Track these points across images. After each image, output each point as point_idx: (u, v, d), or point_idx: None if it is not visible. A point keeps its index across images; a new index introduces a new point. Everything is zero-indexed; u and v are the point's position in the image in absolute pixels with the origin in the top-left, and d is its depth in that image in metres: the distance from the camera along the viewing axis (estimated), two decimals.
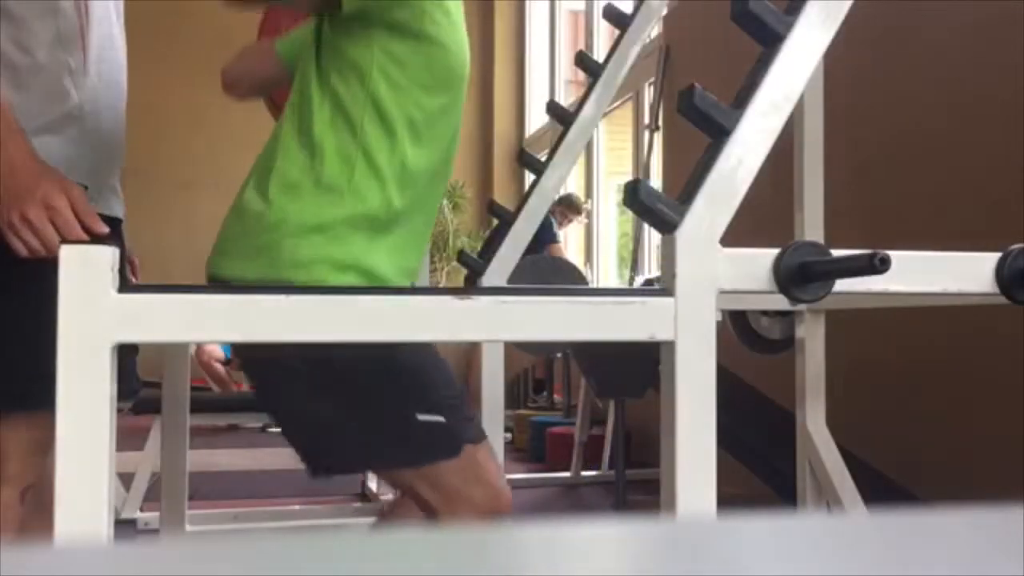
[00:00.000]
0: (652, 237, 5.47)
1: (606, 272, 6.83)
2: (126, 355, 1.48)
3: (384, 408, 1.31)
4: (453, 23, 1.40)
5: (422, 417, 1.29)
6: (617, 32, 2.13)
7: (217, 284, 1.35)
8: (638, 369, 3.31)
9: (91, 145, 1.36)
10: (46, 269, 0.78)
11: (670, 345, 0.89)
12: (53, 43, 1.32)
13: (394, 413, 1.30)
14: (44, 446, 1.18)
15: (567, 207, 6.00)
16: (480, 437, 1.38)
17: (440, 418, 1.31)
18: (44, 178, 1.19)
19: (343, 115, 1.34)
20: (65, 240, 1.16)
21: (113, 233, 1.43)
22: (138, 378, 1.59)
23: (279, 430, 1.42)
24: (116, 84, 1.44)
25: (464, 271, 2.14)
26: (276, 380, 1.35)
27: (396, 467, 1.33)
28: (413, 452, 1.30)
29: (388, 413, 1.31)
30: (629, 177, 6.27)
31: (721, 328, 1.11)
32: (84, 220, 1.20)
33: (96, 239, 1.23)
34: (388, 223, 1.35)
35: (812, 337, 2.06)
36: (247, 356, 1.40)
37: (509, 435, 5.16)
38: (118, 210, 1.45)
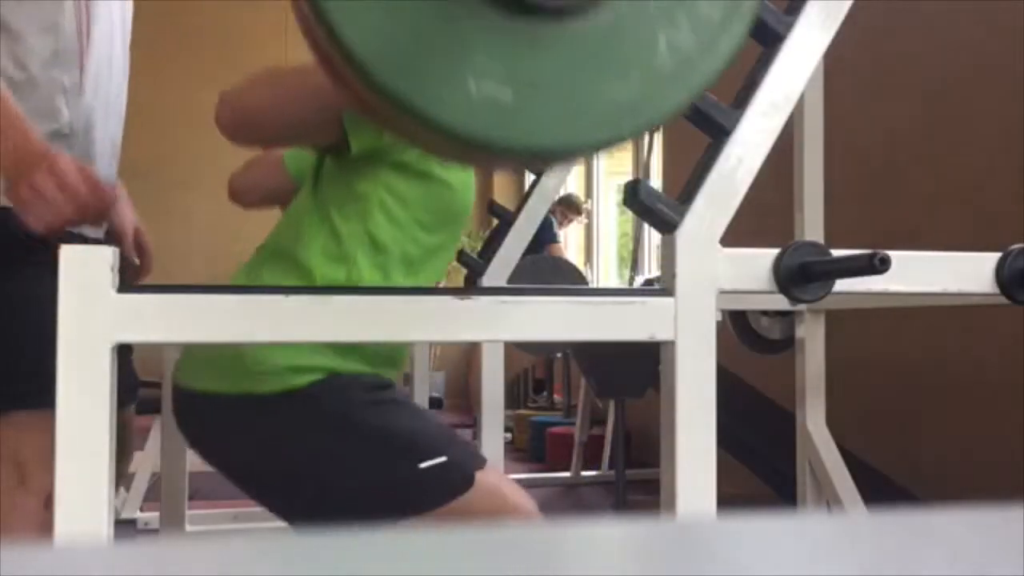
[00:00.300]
0: (652, 237, 5.47)
1: (606, 272, 6.83)
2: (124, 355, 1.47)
3: (388, 475, 1.30)
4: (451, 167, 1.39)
5: (425, 465, 1.29)
6: None
7: (179, 393, 1.36)
8: (638, 369, 3.31)
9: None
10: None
11: (670, 345, 0.89)
12: (50, 61, 1.31)
13: (399, 475, 1.30)
14: None
15: (567, 207, 6.00)
16: (482, 463, 1.38)
17: (443, 458, 1.30)
18: (47, 152, 1.20)
19: (337, 246, 1.33)
20: (69, 216, 1.17)
21: None
22: (136, 377, 1.58)
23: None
24: (112, 106, 1.42)
25: (464, 271, 2.14)
26: (266, 480, 1.34)
27: (419, 515, 1.31)
28: (430, 498, 1.29)
29: (394, 478, 1.30)
30: (629, 177, 6.27)
31: (721, 328, 1.11)
32: (91, 187, 1.20)
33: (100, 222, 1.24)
34: (362, 347, 1.35)
35: (812, 337, 2.06)
36: (239, 478, 1.39)
37: (509, 435, 5.16)
38: (97, 233, 1.43)
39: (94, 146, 1.38)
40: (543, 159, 0.81)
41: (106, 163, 1.42)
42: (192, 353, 1.37)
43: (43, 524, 1.26)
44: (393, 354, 1.42)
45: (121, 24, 1.46)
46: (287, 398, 1.28)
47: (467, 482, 1.30)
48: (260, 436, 1.30)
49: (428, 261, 1.39)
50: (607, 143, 0.75)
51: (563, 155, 0.77)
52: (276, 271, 1.35)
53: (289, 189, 1.53)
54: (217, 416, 1.32)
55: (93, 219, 1.26)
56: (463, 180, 1.40)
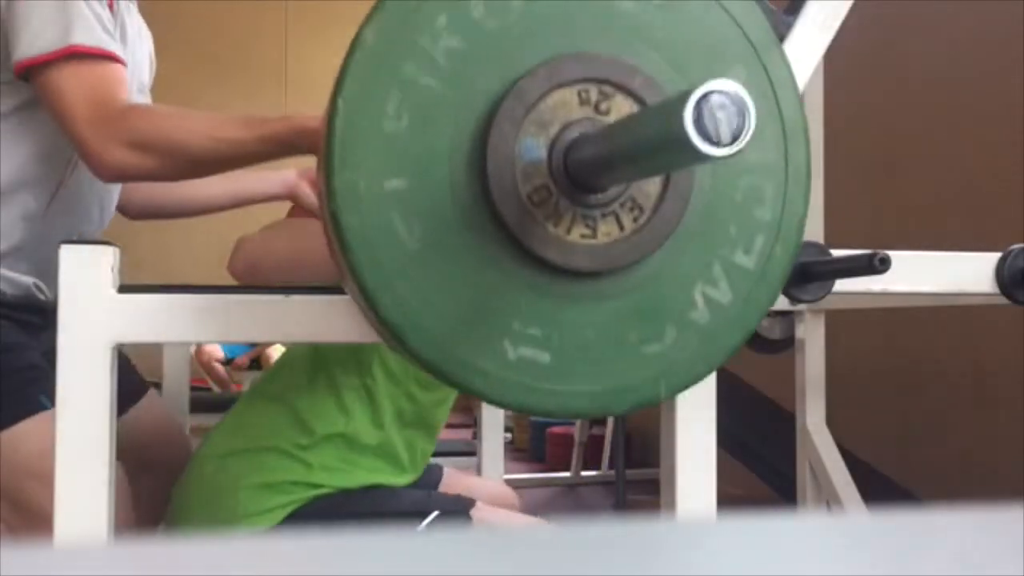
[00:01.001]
0: None
1: None
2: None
3: None
4: None
5: (424, 525, 1.31)
6: None
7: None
8: None
9: (25, 276, 1.30)
10: None
11: None
12: (16, 187, 1.27)
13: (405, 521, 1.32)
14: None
15: None
16: (472, 502, 1.38)
17: (436, 512, 1.32)
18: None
19: (335, 398, 1.34)
20: None
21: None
22: (143, 379, 1.58)
23: None
24: (88, 219, 1.37)
25: None
26: None
27: None
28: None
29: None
30: None
31: None
32: None
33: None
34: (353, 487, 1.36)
35: (812, 337, 2.06)
36: None
37: (509, 435, 5.16)
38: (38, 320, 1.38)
39: (49, 264, 1.32)
40: (576, 418, 0.81)
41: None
42: (183, 509, 1.36)
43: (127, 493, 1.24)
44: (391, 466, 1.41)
45: (148, 65, 1.46)
46: (279, 527, 1.29)
47: (466, 524, 1.33)
48: None
49: (421, 417, 1.40)
50: (642, 405, 0.73)
51: (595, 416, 0.76)
52: (275, 417, 1.35)
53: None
54: None
55: None
56: None
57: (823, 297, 0.95)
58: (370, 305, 0.65)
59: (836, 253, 0.94)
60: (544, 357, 0.68)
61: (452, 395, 1.46)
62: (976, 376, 2.75)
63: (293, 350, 1.46)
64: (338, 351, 1.36)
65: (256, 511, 1.29)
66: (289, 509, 1.30)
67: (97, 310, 0.80)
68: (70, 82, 1.15)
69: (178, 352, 1.98)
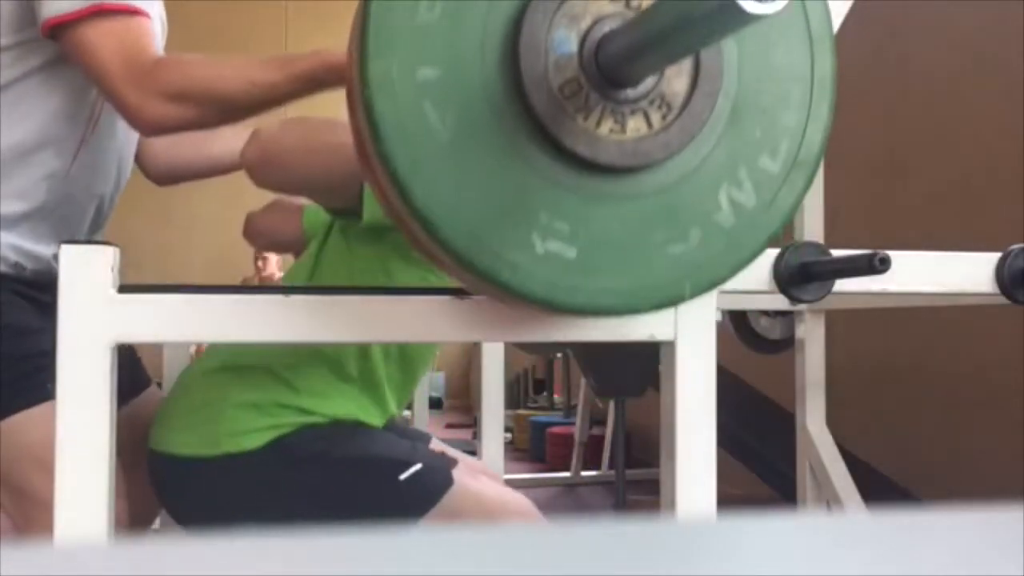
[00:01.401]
0: None
1: None
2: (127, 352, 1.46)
3: (373, 497, 1.31)
4: None
5: (404, 476, 1.31)
6: None
7: (156, 458, 1.35)
8: (638, 369, 3.31)
9: (44, 240, 1.30)
10: None
11: (670, 345, 0.89)
12: (37, 146, 1.27)
13: (383, 493, 1.31)
14: None
15: None
16: (454, 462, 1.39)
17: (418, 465, 1.32)
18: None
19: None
20: None
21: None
22: (147, 374, 1.58)
23: None
24: (104, 183, 1.38)
25: None
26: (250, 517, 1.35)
27: (414, 521, 1.33)
28: (416, 506, 1.31)
29: (379, 498, 1.31)
30: None
31: (721, 328, 1.11)
32: None
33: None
34: (345, 418, 1.36)
35: (812, 337, 2.06)
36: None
37: (509, 435, 5.16)
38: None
39: (67, 223, 1.33)
40: (601, 317, 0.82)
41: (87, 224, 1.38)
42: (166, 419, 1.37)
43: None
44: (370, 425, 1.42)
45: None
46: (264, 452, 1.29)
47: (446, 482, 1.32)
48: (244, 493, 1.32)
49: (407, 353, 1.41)
50: (667, 303, 0.74)
51: (622, 314, 0.77)
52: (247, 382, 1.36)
53: (300, 241, 1.55)
54: (198, 479, 1.33)
55: None
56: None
57: (823, 297, 0.95)
58: (401, 193, 0.66)
59: (836, 253, 0.94)
60: (571, 252, 0.69)
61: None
62: (976, 376, 2.76)
63: (293, 272, 1.46)
64: (334, 263, 1.36)
65: (241, 430, 1.29)
66: (275, 433, 1.29)
67: (97, 310, 0.80)
68: (101, 40, 1.16)
69: (178, 352, 1.98)
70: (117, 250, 0.83)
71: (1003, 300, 1.02)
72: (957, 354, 2.83)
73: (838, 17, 0.97)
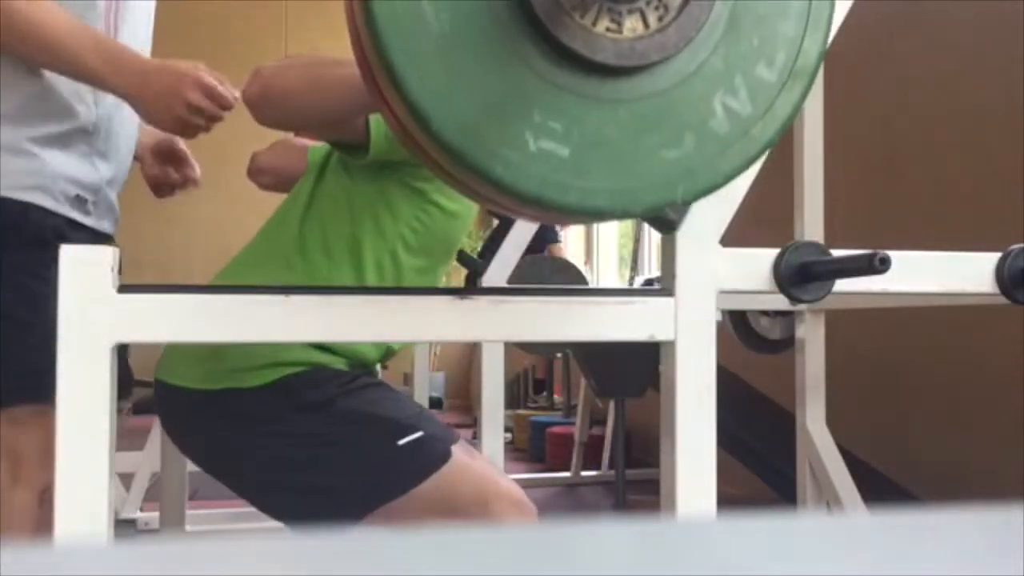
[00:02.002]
0: (652, 237, 5.47)
1: (606, 272, 6.83)
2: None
3: (368, 456, 1.30)
4: (463, 197, 1.40)
5: (403, 442, 1.30)
6: None
7: (161, 388, 1.36)
8: (638, 369, 3.31)
9: (97, 162, 1.37)
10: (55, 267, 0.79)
11: (670, 345, 0.89)
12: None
13: (379, 454, 1.30)
14: None
15: None
16: (456, 437, 1.38)
17: (419, 433, 1.31)
18: (175, 66, 1.26)
19: (322, 240, 1.36)
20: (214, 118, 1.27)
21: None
22: (131, 373, 1.60)
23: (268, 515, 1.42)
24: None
25: (464, 271, 2.14)
26: (250, 473, 1.35)
27: (400, 494, 1.31)
28: (410, 474, 1.30)
29: (374, 458, 1.30)
30: None
31: (721, 328, 1.11)
32: (221, 88, 1.27)
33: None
34: (343, 347, 1.36)
35: (812, 337, 2.06)
36: (211, 466, 1.40)
37: (509, 435, 5.16)
38: (109, 227, 1.45)
39: (111, 142, 1.39)
40: (594, 219, 0.82)
41: (124, 158, 1.44)
42: (173, 349, 1.38)
43: (38, 520, 1.26)
44: (367, 358, 1.42)
45: (146, 23, 1.47)
46: (268, 390, 1.29)
47: (444, 456, 1.31)
48: (241, 429, 1.32)
49: (400, 280, 1.40)
50: (659, 206, 0.75)
51: (615, 216, 0.77)
52: (261, 262, 1.38)
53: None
54: (198, 411, 1.34)
55: (219, 119, 1.31)
56: (459, 214, 1.42)
57: (823, 297, 0.95)
58: (397, 87, 0.66)
59: (836, 253, 0.94)
60: (563, 151, 0.70)
61: (432, 268, 1.45)
62: (976, 376, 2.76)
63: (285, 208, 1.46)
64: (334, 193, 1.38)
65: (246, 367, 1.29)
66: (282, 372, 1.29)
67: (97, 310, 0.80)
68: None
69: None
70: (117, 250, 0.83)
71: (1003, 300, 1.02)
72: (957, 354, 2.83)
73: (838, 17, 0.97)
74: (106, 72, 1.24)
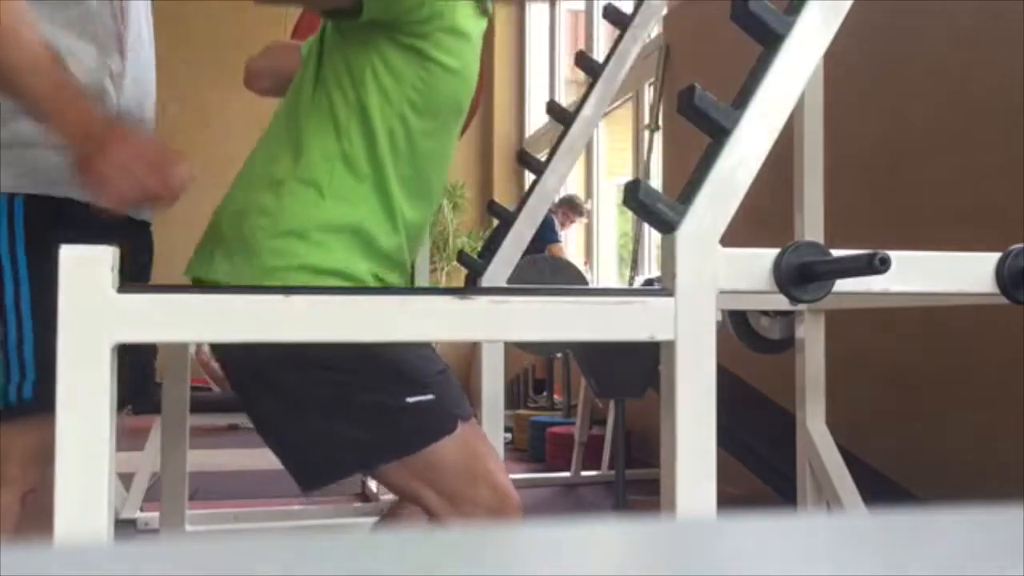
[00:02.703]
0: (652, 237, 5.47)
1: (606, 272, 6.83)
2: (147, 356, 1.48)
3: (372, 401, 1.29)
4: (462, 53, 1.40)
5: (412, 400, 1.28)
6: (617, 32, 2.13)
7: (196, 285, 1.36)
8: (638, 369, 3.31)
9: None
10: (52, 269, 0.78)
11: (670, 345, 0.89)
12: (99, 57, 1.33)
13: (383, 404, 1.29)
14: (45, 450, 1.18)
15: (570, 209, 5.98)
16: (468, 414, 1.37)
17: (430, 396, 1.30)
18: (115, 125, 1.23)
19: (331, 118, 1.35)
20: (148, 185, 1.18)
21: (143, 237, 1.43)
22: (154, 380, 1.59)
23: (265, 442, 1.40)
24: (146, 83, 1.45)
25: (464, 271, 2.14)
26: (257, 393, 1.34)
27: (393, 458, 1.30)
28: (409, 435, 1.28)
29: (377, 405, 1.29)
30: (629, 177, 6.26)
31: (721, 328, 1.11)
32: (160, 159, 1.20)
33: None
34: (367, 230, 1.35)
35: (812, 337, 2.06)
36: (229, 375, 1.39)
37: (509, 435, 5.16)
38: (147, 214, 1.45)
39: (135, 127, 1.39)
40: None
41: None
42: (205, 243, 1.38)
43: (18, 523, 1.26)
44: (404, 258, 1.43)
45: (147, 22, 1.47)
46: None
47: (448, 428, 1.30)
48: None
49: (414, 144, 1.39)
50: None
51: None
52: (271, 151, 1.37)
53: None
54: None
55: (165, 200, 1.23)
56: (459, 70, 1.41)
57: (823, 297, 0.95)
58: None
59: (836, 253, 0.94)
60: None
61: (443, 135, 1.45)
62: (976, 376, 2.75)
63: (292, 95, 1.45)
64: (335, 68, 1.37)
65: (284, 266, 1.29)
66: (318, 281, 1.29)
67: (97, 310, 0.80)
68: None
69: (178, 352, 1.99)
70: (117, 250, 0.83)
71: (1003, 300, 1.02)
72: (957, 353, 2.83)
73: (838, 17, 0.97)
74: (50, 108, 1.18)
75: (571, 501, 3.95)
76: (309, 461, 1.33)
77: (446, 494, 1.30)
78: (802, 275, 0.94)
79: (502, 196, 7.54)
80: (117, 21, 1.36)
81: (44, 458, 1.24)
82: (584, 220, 6.39)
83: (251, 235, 1.31)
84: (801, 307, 2.03)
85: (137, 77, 1.41)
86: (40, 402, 1.22)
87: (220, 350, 1.40)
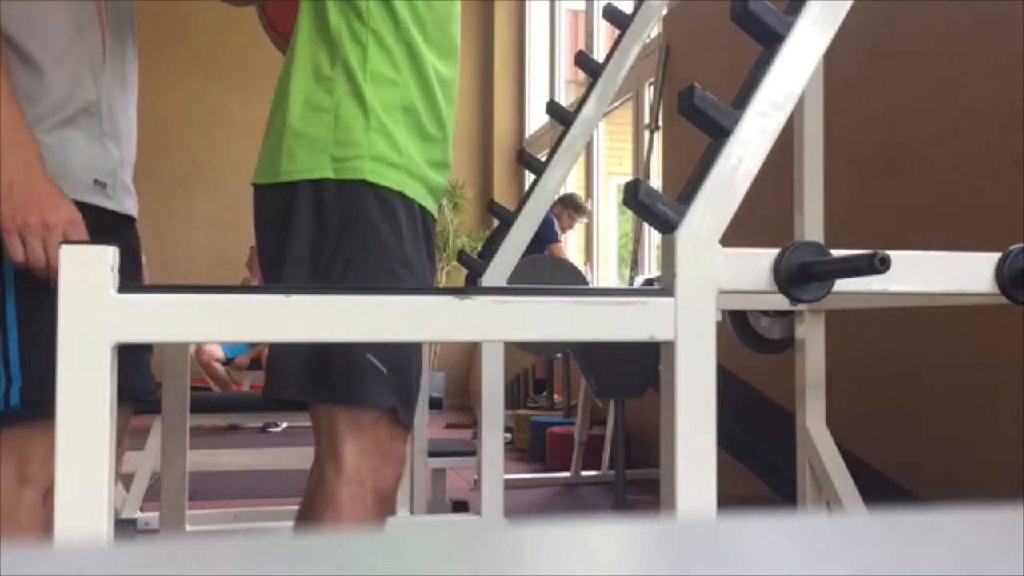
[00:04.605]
0: (652, 237, 5.47)
1: (606, 272, 6.83)
2: (142, 354, 1.47)
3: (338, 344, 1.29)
4: None
5: (372, 357, 1.29)
6: (617, 32, 2.13)
7: (261, 189, 1.37)
8: (638, 369, 3.31)
9: (107, 142, 1.36)
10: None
11: (670, 345, 0.89)
12: (74, 36, 1.32)
13: (346, 347, 1.29)
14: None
15: (572, 209, 5.97)
16: (409, 423, 1.36)
17: (384, 369, 1.30)
18: (51, 195, 1.19)
19: (351, 3, 1.37)
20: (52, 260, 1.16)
21: (127, 232, 1.43)
22: (153, 378, 1.57)
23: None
24: (128, 80, 1.44)
25: (464, 271, 2.14)
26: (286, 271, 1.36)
27: (333, 400, 1.30)
28: (352, 388, 1.29)
29: (340, 346, 1.29)
30: (629, 177, 6.26)
31: (721, 328, 1.11)
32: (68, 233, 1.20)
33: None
34: (415, 109, 1.38)
35: (812, 337, 2.06)
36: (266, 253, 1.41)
37: (509, 435, 5.16)
38: (132, 208, 1.45)
39: (117, 121, 1.39)
40: None
41: (129, 139, 1.43)
42: (271, 152, 1.38)
43: (43, 520, 1.26)
44: (441, 159, 1.46)
45: (129, 24, 1.47)
46: (348, 187, 1.31)
47: (388, 406, 1.29)
48: (281, 221, 1.32)
49: (433, 11, 1.41)
50: None
51: None
52: (308, 49, 1.38)
53: None
54: (262, 206, 1.37)
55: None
56: None
57: (823, 297, 0.95)
58: None
59: (836, 253, 0.94)
60: None
61: (455, 13, 1.47)
62: (976, 376, 2.75)
63: (298, 41, 1.46)
64: (344, 15, 1.38)
65: (354, 155, 1.31)
66: (333, 174, 1.31)
67: (97, 310, 0.80)
68: None
69: (178, 352, 1.99)
70: (117, 250, 0.83)
71: (1003, 300, 1.02)
72: (957, 353, 2.83)
73: (838, 17, 0.97)
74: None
75: (571, 501, 3.95)
76: (274, 370, 1.35)
77: (364, 448, 1.29)
78: (802, 275, 0.94)
79: (502, 196, 7.55)
80: (100, 13, 1.35)
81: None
82: (585, 220, 6.39)
83: (316, 135, 1.34)
84: (801, 307, 2.03)
85: (120, 75, 1.41)
86: (29, 407, 1.22)
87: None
